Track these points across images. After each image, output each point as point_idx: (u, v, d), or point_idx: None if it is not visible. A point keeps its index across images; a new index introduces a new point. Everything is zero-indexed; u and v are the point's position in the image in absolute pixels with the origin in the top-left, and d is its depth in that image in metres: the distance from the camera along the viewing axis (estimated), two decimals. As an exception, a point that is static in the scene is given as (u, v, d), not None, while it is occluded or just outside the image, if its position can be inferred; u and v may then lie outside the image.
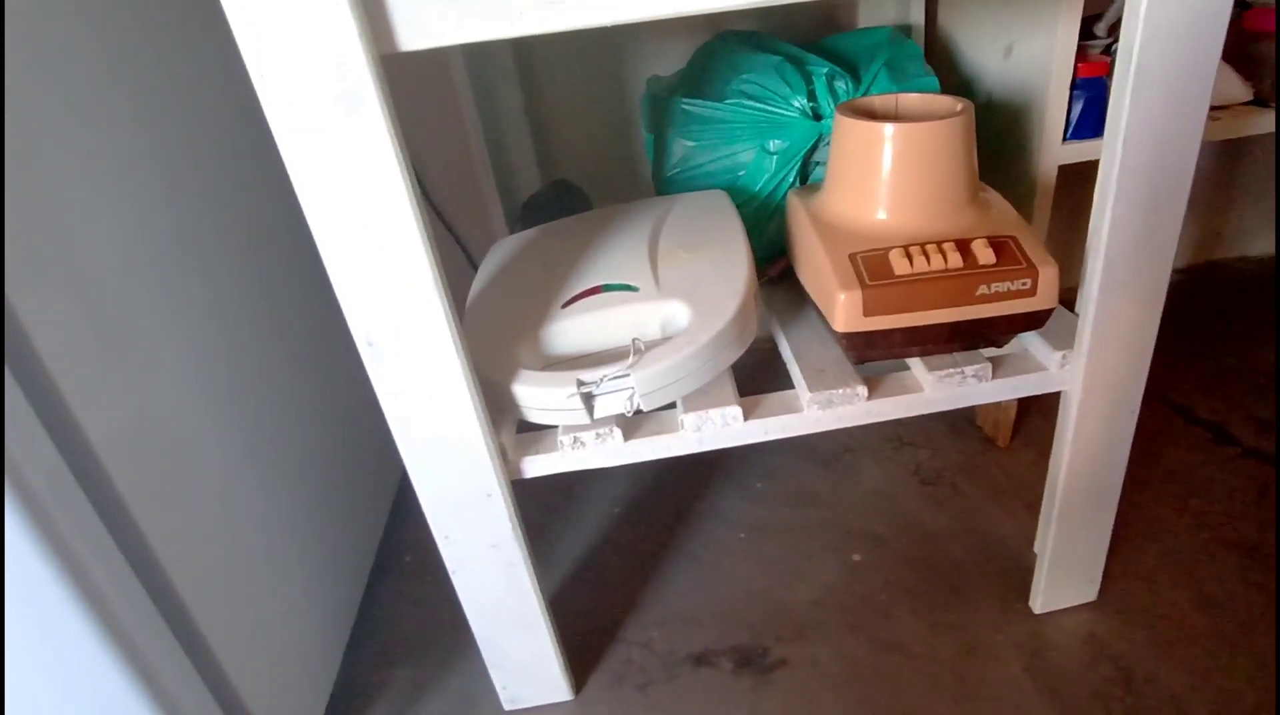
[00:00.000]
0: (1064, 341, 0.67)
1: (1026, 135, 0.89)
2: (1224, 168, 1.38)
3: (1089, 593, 0.81)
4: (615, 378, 0.59)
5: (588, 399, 0.60)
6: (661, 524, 0.99)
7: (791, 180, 0.80)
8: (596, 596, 0.90)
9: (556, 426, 0.63)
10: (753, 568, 0.91)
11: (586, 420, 0.61)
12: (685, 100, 0.81)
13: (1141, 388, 0.68)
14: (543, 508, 1.04)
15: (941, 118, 0.63)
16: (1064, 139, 0.88)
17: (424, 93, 0.98)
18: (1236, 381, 1.15)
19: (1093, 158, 0.89)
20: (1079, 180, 0.88)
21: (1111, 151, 0.57)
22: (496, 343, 0.64)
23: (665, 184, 0.84)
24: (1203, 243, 1.45)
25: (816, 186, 0.74)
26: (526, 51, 1.04)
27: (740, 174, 0.81)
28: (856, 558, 0.91)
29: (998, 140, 0.94)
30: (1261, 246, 1.47)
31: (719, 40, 0.91)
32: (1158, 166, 0.57)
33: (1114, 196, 0.58)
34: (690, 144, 0.82)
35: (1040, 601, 0.80)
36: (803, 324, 0.74)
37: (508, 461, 0.63)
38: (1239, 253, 1.48)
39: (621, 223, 0.75)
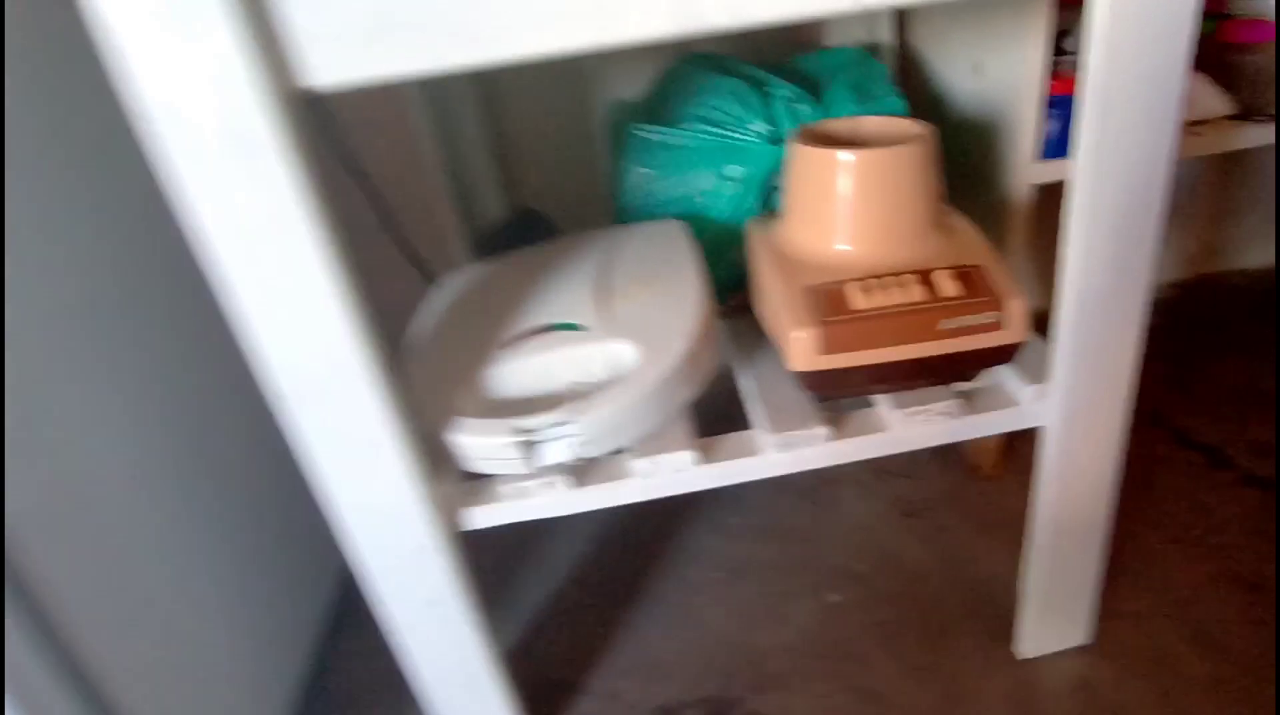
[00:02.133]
0: (1038, 373, 0.63)
1: (999, 155, 0.86)
2: (1217, 179, 1.35)
3: (1080, 635, 0.77)
4: (555, 425, 0.55)
5: (527, 447, 0.57)
6: (633, 563, 0.95)
7: (752, 206, 0.77)
8: (561, 644, 0.86)
9: (500, 475, 0.60)
10: (726, 610, 0.87)
11: (528, 469, 0.57)
12: (640, 127, 0.78)
13: (1123, 420, 0.65)
14: (511, 547, 1.00)
15: (901, 142, 0.60)
16: (1039, 158, 0.85)
17: (376, 118, 0.95)
18: (1234, 401, 1.11)
19: (1065, 177, 0.86)
20: (1061, 198, 0.85)
21: (1078, 176, 0.54)
22: (435, 387, 0.60)
23: (624, 213, 0.81)
24: (1196, 256, 1.42)
25: (776, 214, 0.71)
26: (487, 73, 1.02)
27: (699, 201, 0.78)
28: (835, 598, 0.87)
29: (970, 160, 0.91)
30: (1257, 258, 1.43)
31: (681, 64, 0.88)
32: (1127, 190, 0.54)
33: (1082, 222, 0.55)
34: (647, 172, 0.79)
35: (1027, 645, 0.76)
36: (765, 358, 0.70)
37: (447, 513, 0.59)
38: (1234, 266, 1.44)
39: (573, 256, 0.72)
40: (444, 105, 0.99)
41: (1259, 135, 0.91)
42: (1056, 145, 0.86)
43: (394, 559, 0.59)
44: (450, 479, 0.60)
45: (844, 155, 0.60)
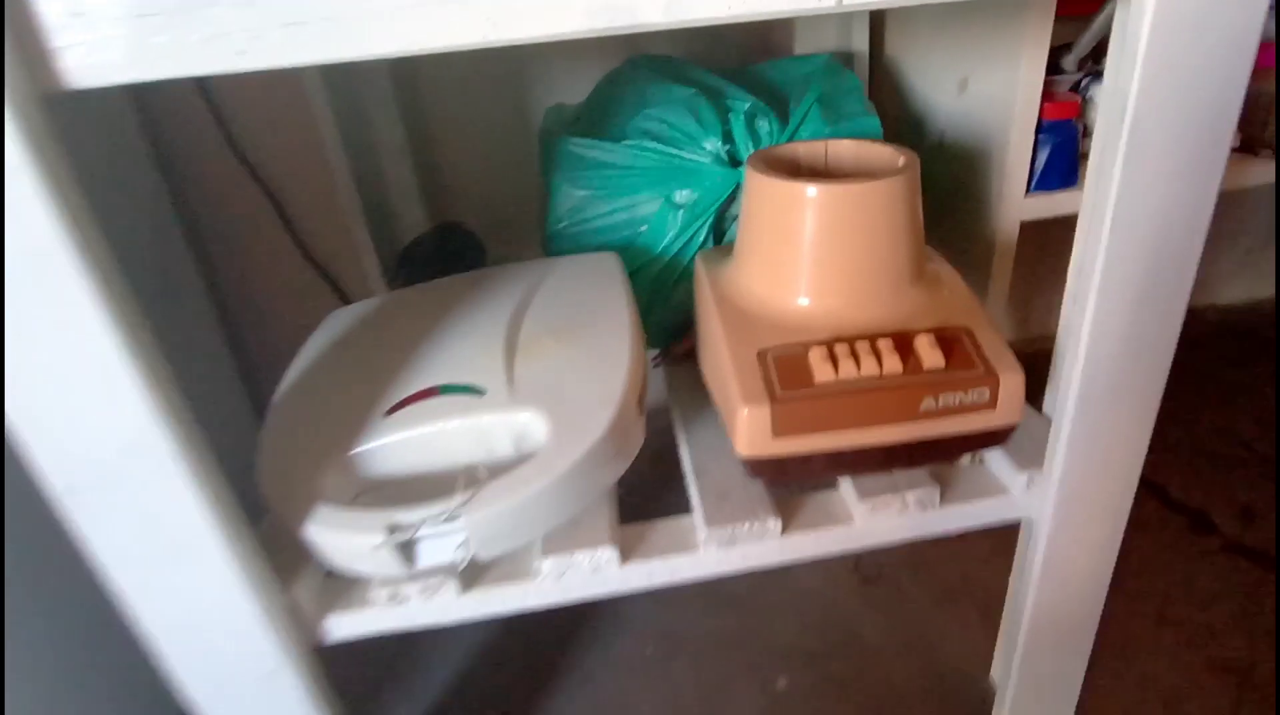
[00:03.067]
0: (1031, 457, 0.53)
1: (984, 185, 0.76)
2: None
3: (1058, 742, 0.67)
4: (439, 521, 0.43)
5: (405, 547, 0.45)
6: (556, 633, 0.84)
7: (703, 238, 0.66)
8: (469, 735, 0.74)
9: (371, 573, 0.48)
10: (658, 698, 0.76)
11: (404, 572, 0.45)
12: (574, 140, 0.67)
13: (1127, 512, 0.55)
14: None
15: (879, 174, 0.49)
16: (1027, 191, 0.75)
17: (276, 119, 0.82)
18: (1214, 455, 1.03)
19: (1059, 213, 0.76)
20: (1039, 223, 0.76)
21: (1095, 234, 0.44)
22: (294, 462, 0.48)
23: (551, 241, 0.69)
24: (1170, 292, 1.34)
25: (730, 249, 0.59)
26: (407, 69, 0.89)
27: (641, 230, 0.66)
28: (782, 683, 0.76)
29: (951, 190, 0.81)
30: (1231, 294, 1.36)
31: (628, 66, 0.77)
32: (1156, 252, 0.44)
33: (1098, 290, 0.44)
34: (581, 193, 0.67)
35: (999, 753, 0.66)
36: (710, 422, 0.59)
37: (301, 625, 0.47)
38: (1208, 301, 1.37)
39: (482, 295, 0.60)
40: (357, 104, 0.86)
41: (1263, 172, 0.82)
42: (1047, 176, 0.76)
43: (229, 686, 0.46)
44: (306, 581, 0.48)
45: (811, 189, 0.49)
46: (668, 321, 0.68)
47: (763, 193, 0.51)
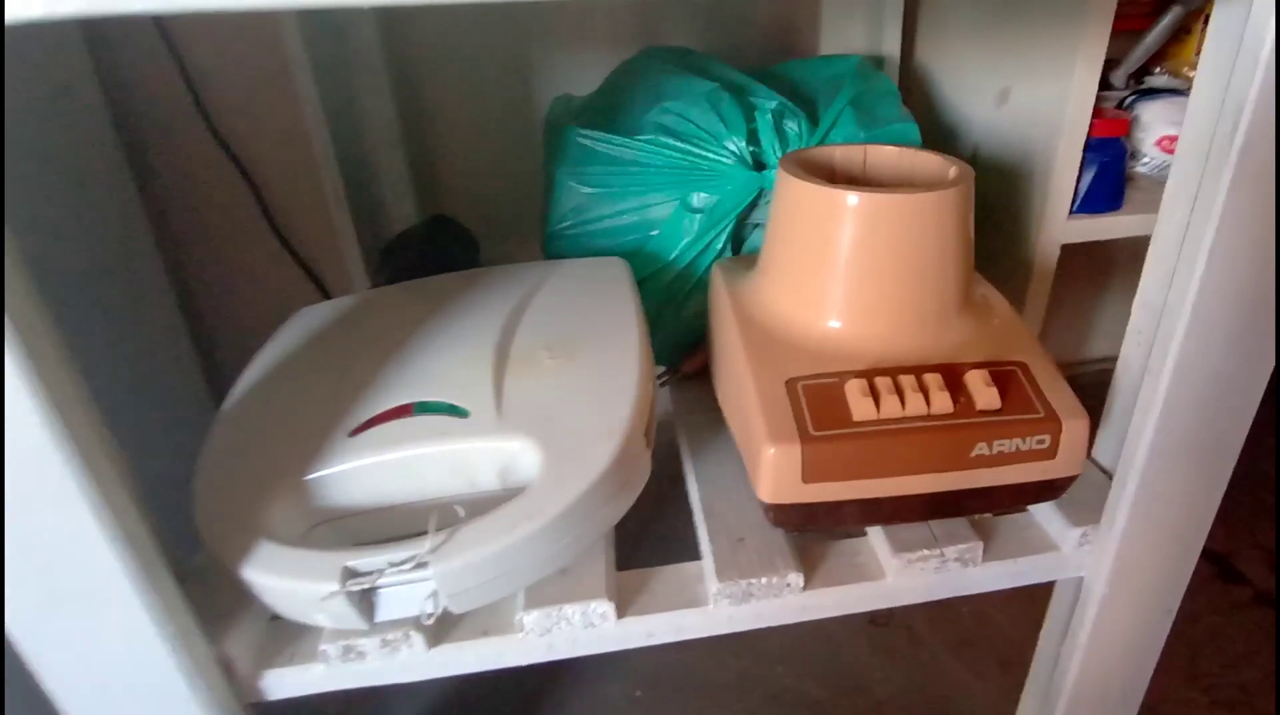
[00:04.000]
0: (1085, 512, 0.46)
1: (1022, 205, 0.70)
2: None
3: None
4: (404, 569, 0.37)
5: (363, 597, 0.38)
6: (536, 672, 0.76)
7: (721, 246, 0.60)
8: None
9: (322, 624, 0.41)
10: (646, 749, 0.69)
11: (361, 625, 0.39)
12: (582, 132, 0.60)
13: (1189, 575, 0.49)
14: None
15: (924, 184, 0.43)
16: (1069, 213, 0.69)
17: (255, 93, 0.75)
18: (1240, 497, 0.97)
19: (1103, 237, 0.71)
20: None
21: (1187, 269, 0.37)
22: (237, 488, 0.41)
23: (552, 241, 0.63)
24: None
25: (752, 260, 0.53)
26: (401, 50, 0.82)
27: (652, 234, 0.60)
28: (783, 738, 0.70)
29: (983, 208, 0.74)
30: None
31: (643, 57, 0.70)
32: (1256, 287, 0.37)
33: (1186, 331, 0.38)
34: (587, 190, 0.60)
35: (1023, 834, 0.60)
36: (723, 452, 0.53)
37: (238, 680, 0.40)
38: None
39: (471, 299, 0.53)
40: (346, 82, 0.79)
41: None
42: (1091, 198, 0.70)
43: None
44: (244, 630, 0.41)
45: (852, 197, 0.43)
46: (678, 337, 0.61)
47: (797, 198, 0.45)
